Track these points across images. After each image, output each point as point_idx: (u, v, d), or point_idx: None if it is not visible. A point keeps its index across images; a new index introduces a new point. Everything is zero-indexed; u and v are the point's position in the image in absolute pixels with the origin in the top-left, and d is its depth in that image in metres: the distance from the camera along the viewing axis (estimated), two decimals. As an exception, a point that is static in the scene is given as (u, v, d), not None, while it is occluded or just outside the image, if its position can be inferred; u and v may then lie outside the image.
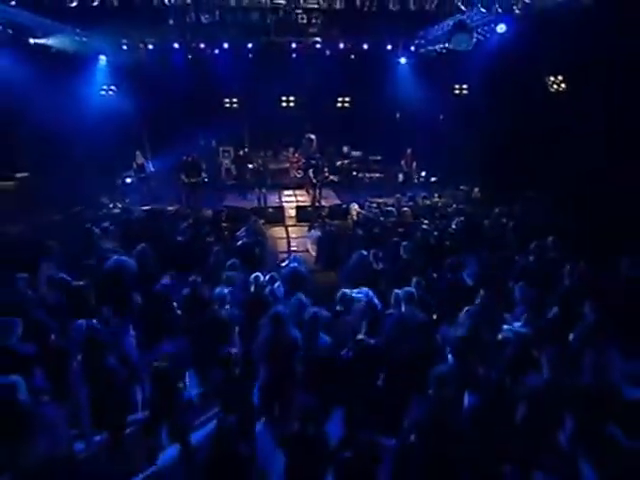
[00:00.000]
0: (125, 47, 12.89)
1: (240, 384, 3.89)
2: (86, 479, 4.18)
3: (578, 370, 4.09)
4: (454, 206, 10.03)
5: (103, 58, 12.87)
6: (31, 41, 10.08)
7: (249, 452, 3.34)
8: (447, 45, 9.42)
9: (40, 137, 10.84)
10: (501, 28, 8.46)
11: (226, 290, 5.15)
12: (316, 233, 8.32)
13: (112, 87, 13.62)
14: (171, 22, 10.65)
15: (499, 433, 3.77)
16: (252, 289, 5.62)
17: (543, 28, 8.36)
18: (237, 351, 4.19)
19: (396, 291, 5.13)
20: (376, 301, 5.31)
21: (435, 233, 7.69)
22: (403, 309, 4.86)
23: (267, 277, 5.77)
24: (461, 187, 11.95)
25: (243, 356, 4.32)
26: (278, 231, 10.32)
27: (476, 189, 10.85)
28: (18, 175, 11.79)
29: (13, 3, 7.03)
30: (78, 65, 12.35)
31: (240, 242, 7.41)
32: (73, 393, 4.25)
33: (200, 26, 10.81)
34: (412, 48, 13.95)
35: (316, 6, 10.32)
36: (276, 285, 5.79)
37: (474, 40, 8.78)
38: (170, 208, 10.37)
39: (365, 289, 5.43)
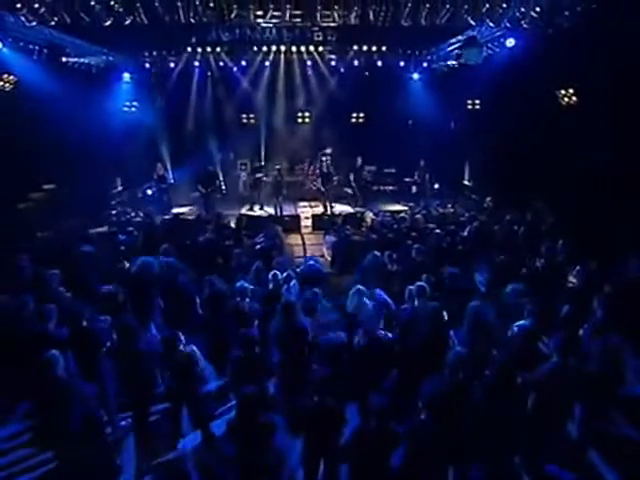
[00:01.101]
0: (148, 65, 13.57)
1: (257, 364, 4.12)
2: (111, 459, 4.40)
3: (586, 358, 4.22)
4: (466, 215, 10.19)
5: (127, 75, 13.51)
6: (63, 59, 10.69)
7: (270, 421, 3.52)
8: (459, 60, 9.74)
9: (66, 150, 11.36)
10: (510, 42, 8.76)
11: (246, 284, 5.41)
12: (331, 238, 8.57)
13: (134, 103, 14.25)
14: (193, 40, 11.27)
15: (508, 421, 3.89)
16: (270, 286, 5.89)
17: (551, 42, 8.63)
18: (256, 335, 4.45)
19: (409, 287, 5.36)
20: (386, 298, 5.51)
21: (448, 238, 7.88)
22: (416, 303, 5.06)
23: (284, 275, 6.03)
24: (473, 197, 12.14)
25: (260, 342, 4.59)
26: (294, 238, 10.60)
27: (488, 198, 11.01)
28: (46, 187, 12.39)
29: (52, 24, 7.53)
30: (103, 82, 12.99)
31: (259, 246, 7.70)
32: (101, 377, 4.52)
33: (221, 44, 11.40)
34: (425, 64, 14.36)
35: (332, 24, 10.79)
36: (292, 283, 6.04)
37: (484, 54, 9.07)
38: (190, 217, 10.74)
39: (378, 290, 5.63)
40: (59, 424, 3.76)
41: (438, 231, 7.85)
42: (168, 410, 5.00)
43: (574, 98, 11.42)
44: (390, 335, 4.72)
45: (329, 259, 8.35)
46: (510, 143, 12.08)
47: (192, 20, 7.75)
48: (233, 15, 8.00)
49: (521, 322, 5.04)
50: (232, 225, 9.37)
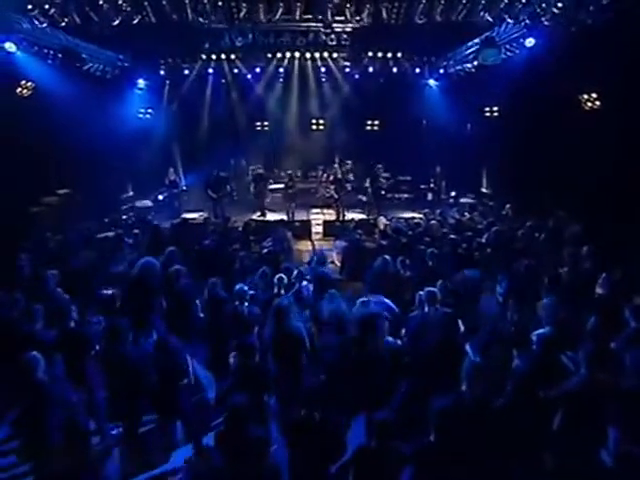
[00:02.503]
0: (163, 72, 13.64)
1: (255, 373, 3.80)
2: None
3: (618, 373, 3.78)
4: (484, 222, 9.75)
5: (142, 82, 13.57)
6: (77, 65, 10.74)
7: (261, 434, 3.18)
8: (475, 62, 9.39)
9: (82, 156, 11.37)
10: (530, 42, 8.38)
11: (246, 287, 5.12)
12: (341, 243, 8.23)
13: (149, 110, 14.30)
14: (207, 45, 11.23)
15: (530, 443, 3.47)
16: (275, 290, 5.59)
17: (574, 41, 8.24)
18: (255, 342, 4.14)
19: (419, 292, 5.01)
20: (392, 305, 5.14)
21: (464, 245, 7.51)
22: (426, 309, 4.70)
23: (295, 272, 5.72)
24: (491, 203, 11.67)
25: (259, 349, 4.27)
26: (304, 244, 10.33)
27: (507, 205, 10.56)
28: (60, 192, 12.45)
29: (63, 24, 7.51)
30: (118, 88, 13.04)
31: (266, 250, 7.44)
32: (89, 382, 4.27)
33: (234, 49, 11.34)
34: (441, 70, 14.09)
35: (347, 29, 10.63)
36: (304, 284, 5.73)
37: (502, 56, 8.73)
38: (198, 221, 10.57)
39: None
40: (38, 431, 3.50)
41: (454, 236, 7.47)
42: (160, 420, 4.72)
43: (597, 102, 10.96)
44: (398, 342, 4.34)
45: (338, 265, 8.01)
46: (529, 149, 11.64)
47: (200, 19, 7.63)
48: (242, 14, 7.88)
49: (541, 330, 4.65)
50: (240, 228, 9.14)
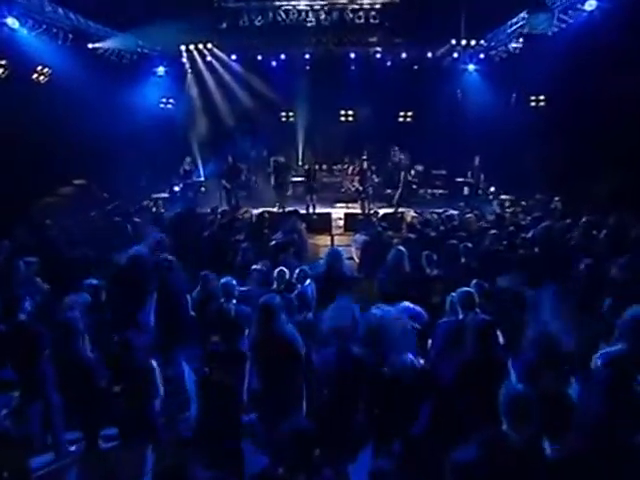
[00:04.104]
0: (184, 59, 13.10)
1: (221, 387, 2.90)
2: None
3: None
4: (529, 218, 8.54)
5: (161, 69, 13.07)
6: (90, 46, 10.31)
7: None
8: (523, 30, 8.17)
9: (97, 145, 10.98)
10: (590, 5, 7.12)
11: (234, 281, 4.26)
12: (362, 237, 7.25)
13: (170, 100, 13.80)
14: (224, 25, 10.51)
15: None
16: (275, 286, 4.71)
17: None
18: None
19: (451, 294, 4.01)
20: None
21: (504, 242, 6.40)
22: (461, 315, 3.68)
23: (296, 272, 4.83)
24: (537, 196, 10.37)
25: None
26: (323, 239, 9.44)
27: (556, 198, 9.27)
28: (76, 182, 12.17)
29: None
30: (139, 76, 12.62)
31: (274, 242, 6.60)
32: (42, 386, 3.53)
33: (254, 29, 10.59)
34: (481, 55, 12.88)
35: (378, 5, 9.67)
36: (307, 282, 4.81)
37: (554, 23, 7.51)
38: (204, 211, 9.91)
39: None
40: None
41: (494, 232, 6.37)
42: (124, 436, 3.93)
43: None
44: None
45: (357, 261, 7.05)
46: (581, 138, 10.31)
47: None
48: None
49: (610, 349, 3.55)
50: (252, 220, 8.36)
